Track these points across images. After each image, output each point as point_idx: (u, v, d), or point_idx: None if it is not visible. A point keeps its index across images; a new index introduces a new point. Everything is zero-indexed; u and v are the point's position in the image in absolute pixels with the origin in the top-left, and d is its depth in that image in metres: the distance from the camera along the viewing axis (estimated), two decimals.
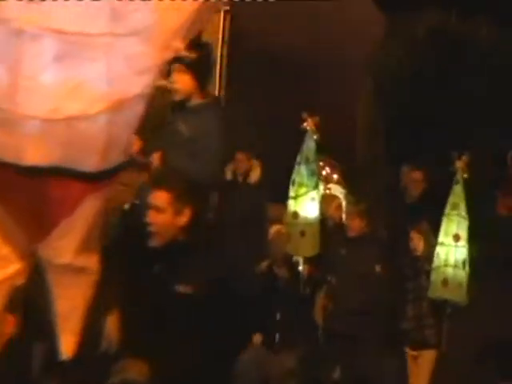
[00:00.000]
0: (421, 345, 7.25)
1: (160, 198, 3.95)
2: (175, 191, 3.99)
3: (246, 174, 8.17)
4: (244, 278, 7.60)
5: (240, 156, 8.20)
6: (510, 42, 16.81)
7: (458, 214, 7.02)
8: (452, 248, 6.99)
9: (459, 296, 7.02)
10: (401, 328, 7.42)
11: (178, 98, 5.90)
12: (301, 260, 7.40)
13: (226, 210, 7.95)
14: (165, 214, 3.97)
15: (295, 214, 7.16)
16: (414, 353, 7.28)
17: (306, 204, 7.14)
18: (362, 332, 7.21)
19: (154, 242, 3.88)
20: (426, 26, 16.83)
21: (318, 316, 7.55)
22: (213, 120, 5.73)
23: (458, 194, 7.09)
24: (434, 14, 16.69)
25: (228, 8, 17.09)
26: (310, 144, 7.36)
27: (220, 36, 17.02)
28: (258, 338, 7.62)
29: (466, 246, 7.05)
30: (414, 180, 8.65)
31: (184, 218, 3.96)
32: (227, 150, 6.59)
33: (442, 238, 7.08)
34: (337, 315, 7.43)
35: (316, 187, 7.27)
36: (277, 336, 7.41)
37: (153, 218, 3.94)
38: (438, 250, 7.04)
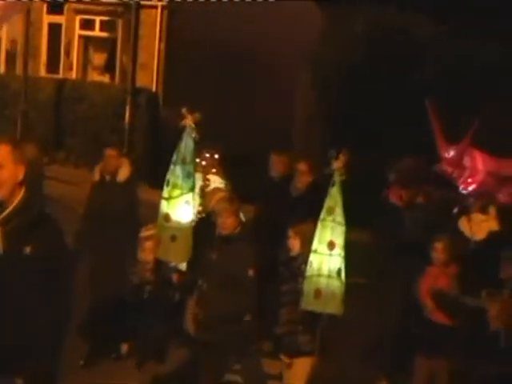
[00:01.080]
0: (294, 351, 6.68)
1: None
2: None
3: (115, 172, 7.75)
4: (114, 282, 7.42)
5: (109, 151, 7.76)
6: (446, 35, 16.93)
7: (333, 220, 6.44)
8: (326, 257, 6.45)
9: (333, 308, 6.43)
10: (274, 333, 6.84)
11: None
12: (178, 265, 7.08)
13: (94, 208, 7.80)
14: None
15: (167, 217, 6.61)
16: (288, 360, 6.69)
17: (179, 207, 6.64)
18: (233, 340, 6.66)
19: None
20: (364, 19, 16.93)
21: (189, 324, 6.95)
22: None
23: (333, 198, 6.49)
24: (371, 7, 16.78)
25: (165, 3, 17.13)
26: (188, 143, 6.67)
27: (157, 31, 17.04)
28: (124, 348, 7.38)
29: (342, 253, 6.47)
30: (299, 172, 8.11)
31: None
32: None
33: (315, 245, 6.47)
34: (207, 323, 6.77)
35: (191, 190, 6.74)
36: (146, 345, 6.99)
37: None
38: (312, 258, 6.46)
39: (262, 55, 17.28)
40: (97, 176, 7.84)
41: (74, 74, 17.87)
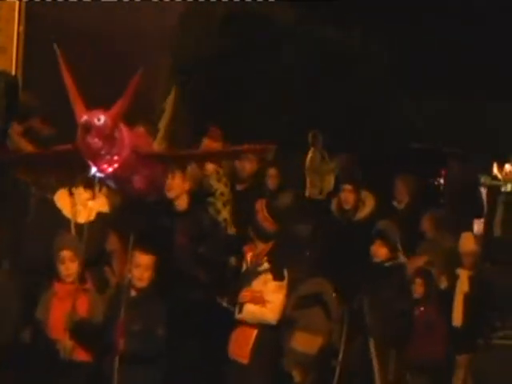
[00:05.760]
0: None
1: None
2: None
3: None
4: None
5: None
6: (307, 26, 17.37)
7: None
8: None
9: None
10: None
11: None
12: None
13: None
14: None
15: None
16: None
17: None
18: None
19: None
20: (224, 7, 17.17)
21: None
22: None
23: None
24: None
25: None
26: None
27: (16, 14, 16.71)
28: None
29: None
30: None
31: None
32: None
33: None
34: None
35: None
36: None
37: None
38: None
39: (125, 42, 17.28)
40: None
41: None
